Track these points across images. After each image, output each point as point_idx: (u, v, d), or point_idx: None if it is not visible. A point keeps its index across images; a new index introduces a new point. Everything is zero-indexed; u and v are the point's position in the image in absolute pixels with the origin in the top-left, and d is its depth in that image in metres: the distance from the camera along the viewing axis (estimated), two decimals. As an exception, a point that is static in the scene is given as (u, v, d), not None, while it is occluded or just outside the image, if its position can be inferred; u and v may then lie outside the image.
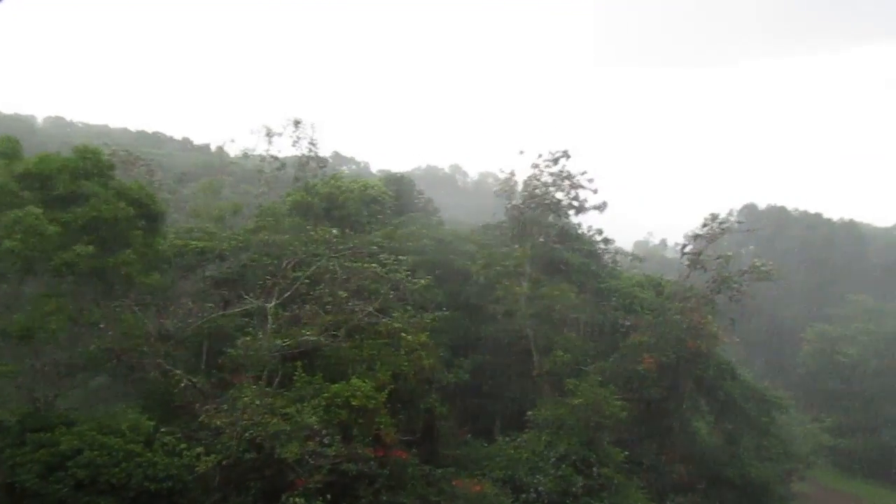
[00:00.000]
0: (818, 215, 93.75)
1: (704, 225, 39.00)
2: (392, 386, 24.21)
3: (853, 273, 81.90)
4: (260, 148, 46.52)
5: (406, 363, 25.44)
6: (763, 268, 37.97)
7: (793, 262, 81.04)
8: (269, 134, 45.09)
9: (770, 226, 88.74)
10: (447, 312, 31.22)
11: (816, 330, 65.46)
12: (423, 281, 29.41)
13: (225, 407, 21.23)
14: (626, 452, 29.64)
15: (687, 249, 39.99)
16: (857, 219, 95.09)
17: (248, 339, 23.58)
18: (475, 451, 29.28)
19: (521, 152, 40.32)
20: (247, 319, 26.03)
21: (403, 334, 26.12)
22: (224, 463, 20.29)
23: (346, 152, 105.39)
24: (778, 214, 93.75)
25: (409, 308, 28.37)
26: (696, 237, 39.21)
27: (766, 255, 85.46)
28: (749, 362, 54.01)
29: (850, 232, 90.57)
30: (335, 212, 37.97)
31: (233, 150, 59.40)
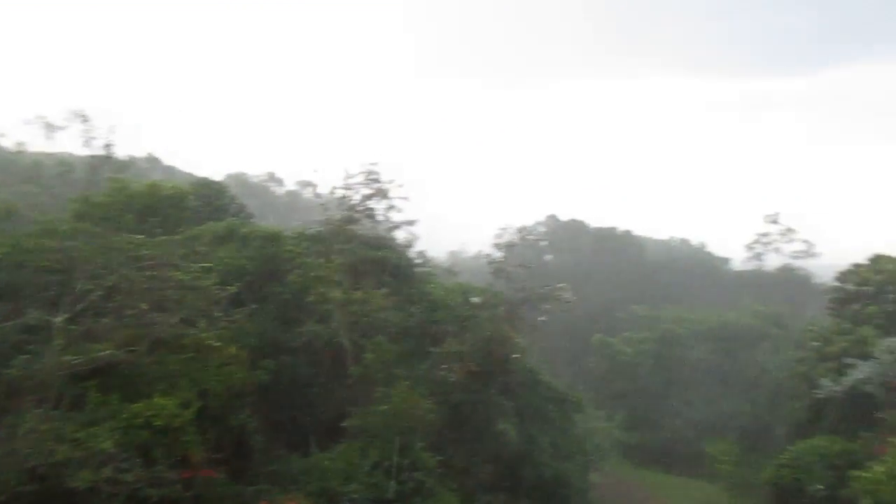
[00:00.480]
0: (612, 229, 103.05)
1: (499, 235, 41.51)
2: (200, 403, 22.89)
3: (637, 281, 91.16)
4: (40, 142, 41.76)
5: (215, 378, 24.18)
6: (562, 294, 40.59)
7: (587, 271, 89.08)
8: (50, 127, 40.61)
9: (567, 237, 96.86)
10: (254, 307, 30.06)
11: (598, 338, 72.85)
12: (231, 288, 28.21)
13: (1, 435, 18.77)
14: (439, 457, 30.47)
15: (492, 258, 42.26)
16: (646, 232, 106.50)
17: (27, 356, 21.05)
18: (290, 466, 28.58)
19: (338, 162, 40.39)
20: (27, 336, 23.18)
21: (211, 346, 24.82)
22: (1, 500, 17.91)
23: (166, 156, 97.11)
24: (576, 227, 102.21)
25: (218, 315, 27.02)
26: (503, 246, 41.67)
27: (563, 264, 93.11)
28: (551, 365, 58.07)
29: (632, 243, 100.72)
30: (150, 218, 35.28)
31: (5, 142, 52.45)
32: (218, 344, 25.10)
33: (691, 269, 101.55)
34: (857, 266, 41.68)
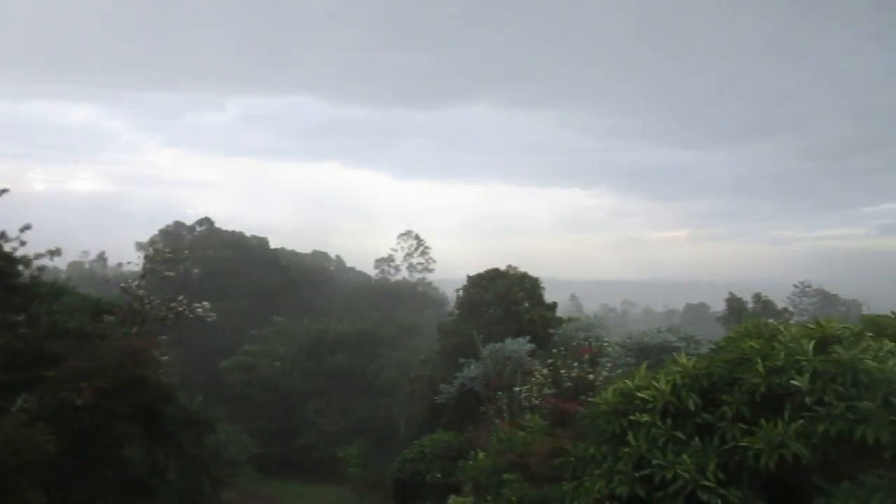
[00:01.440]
0: (241, 233, 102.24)
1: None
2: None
3: (278, 293, 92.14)
4: None
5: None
6: (200, 311, 39.02)
7: (227, 282, 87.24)
8: None
9: (202, 238, 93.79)
10: None
11: (242, 351, 72.26)
12: None
13: None
14: (59, 491, 26.88)
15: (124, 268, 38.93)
16: (284, 245, 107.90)
17: None
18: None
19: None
20: None
21: None
22: None
23: None
24: (209, 230, 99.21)
25: None
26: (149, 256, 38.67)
27: (204, 273, 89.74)
28: (189, 383, 55.38)
29: (270, 254, 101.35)
30: None
31: None
32: None
33: (330, 280, 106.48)
34: (479, 277, 48.01)
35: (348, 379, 72.98)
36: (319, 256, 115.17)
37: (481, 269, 48.59)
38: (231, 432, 55.80)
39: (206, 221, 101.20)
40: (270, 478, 61.88)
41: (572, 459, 14.64)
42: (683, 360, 12.58)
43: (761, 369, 10.99)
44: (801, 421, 10.09)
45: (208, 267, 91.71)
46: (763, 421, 10.39)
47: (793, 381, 10.51)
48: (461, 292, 49.48)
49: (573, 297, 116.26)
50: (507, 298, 44.52)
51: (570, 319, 47.49)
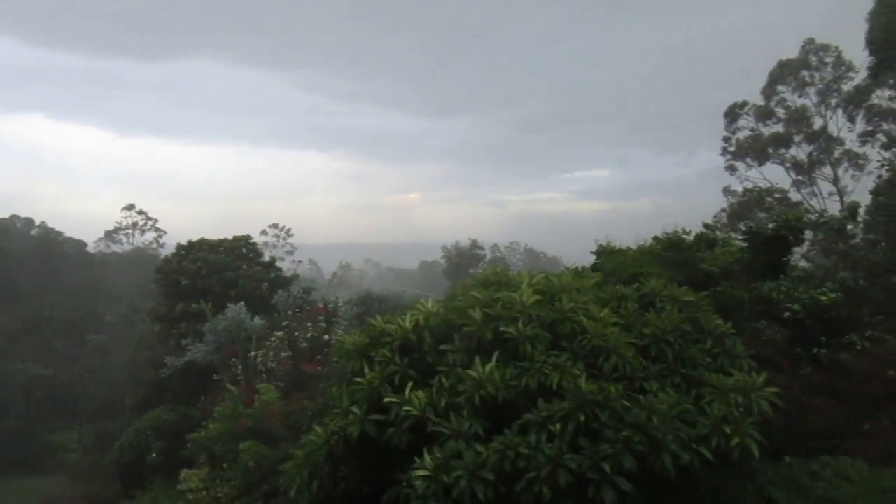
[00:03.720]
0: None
1: None
2: None
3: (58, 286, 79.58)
4: None
5: None
6: None
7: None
8: None
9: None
10: None
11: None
12: None
13: None
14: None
15: None
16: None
17: None
18: None
19: None
20: None
21: None
22: None
23: None
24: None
25: None
26: None
27: None
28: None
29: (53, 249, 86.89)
30: None
31: None
32: None
33: (43, 252, 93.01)
34: (191, 247, 44.45)
35: (68, 359, 65.65)
36: (15, 223, 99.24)
37: (221, 236, 45.84)
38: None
39: None
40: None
41: (310, 412, 14.71)
42: (429, 304, 13.16)
43: (478, 317, 11.89)
44: (509, 369, 11.15)
45: None
46: (476, 364, 11.27)
47: (504, 329, 11.53)
48: (171, 264, 44.84)
49: (311, 261, 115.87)
50: (223, 266, 42.30)
51: (293, 276, 46.40)
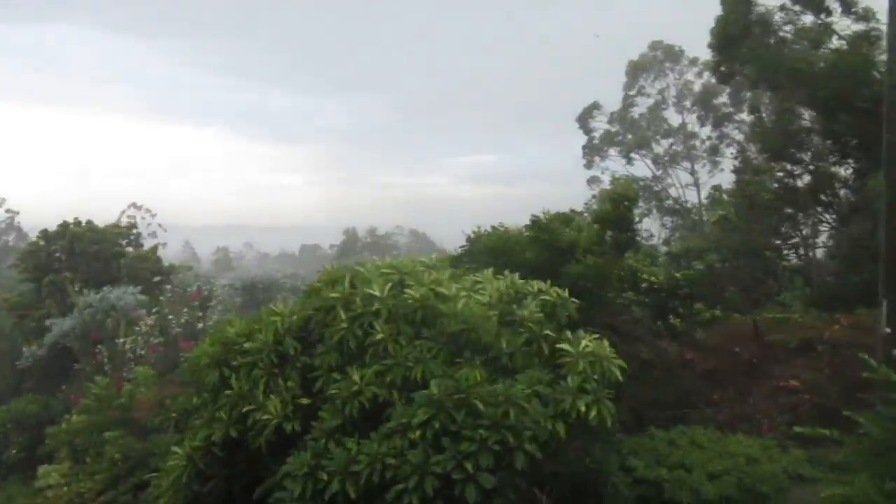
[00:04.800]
0: None
1: None
2: None
3: None
4: None
5: None
6: None
7: None
8: None
9: None
10: None
11: None
12: None
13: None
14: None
15: None
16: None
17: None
18: None
19: None
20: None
21: None
22: None
23: None
24: None
25: None
26: None
27: None
28: None
29: None
30: None
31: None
32: None
33: None
34: (64, 228, 41.58)
35: None
36: None
37: (83, 216, 42.82)
38: None
39: None
40: None
41: (174, 414, 14.52)
42: (280, 307, 12.84)
43: (343, 321, 11.59)
44: (376, 367, 11.08)
45: None
46: (347, 368, 11.25)
47: (372, 328, 11.39)
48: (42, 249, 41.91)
49: (187, 243, 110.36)
50: (93, 251, 39.93)
51: (172, 265, 44.66)
